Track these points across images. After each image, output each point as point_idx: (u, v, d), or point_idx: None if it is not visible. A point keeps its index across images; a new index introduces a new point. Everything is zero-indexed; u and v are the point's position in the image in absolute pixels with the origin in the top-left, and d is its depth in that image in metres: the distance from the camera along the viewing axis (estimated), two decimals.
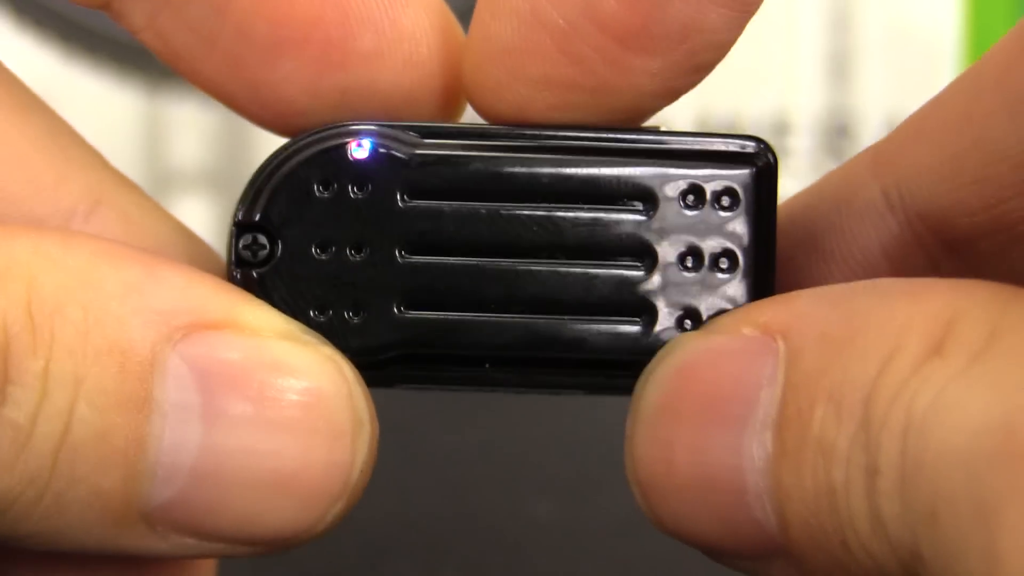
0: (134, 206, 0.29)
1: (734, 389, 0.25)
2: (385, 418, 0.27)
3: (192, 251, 0.29)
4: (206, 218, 0.74)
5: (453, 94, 0.28)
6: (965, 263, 0.29)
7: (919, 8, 0.76)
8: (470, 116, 0.29)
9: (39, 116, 0.28)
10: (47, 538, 0.26)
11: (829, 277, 0.30)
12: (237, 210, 0.27)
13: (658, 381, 0.26)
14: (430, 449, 0.56)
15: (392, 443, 0.27)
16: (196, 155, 0.74)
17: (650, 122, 0.29)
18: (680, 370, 0.26)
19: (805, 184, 0.32)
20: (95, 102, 0.72)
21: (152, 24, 0.28)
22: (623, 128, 0.28)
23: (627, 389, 0.27)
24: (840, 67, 0.76)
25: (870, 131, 0.76)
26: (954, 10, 0.75)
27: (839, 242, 0.30)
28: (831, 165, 0.79)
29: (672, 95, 0.27)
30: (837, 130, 0.76)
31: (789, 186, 0.30)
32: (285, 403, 0.26)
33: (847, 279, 0.30)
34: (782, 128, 0.75)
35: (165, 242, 0.29)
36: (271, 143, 0.29)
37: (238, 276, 0.27)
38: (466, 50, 0.28)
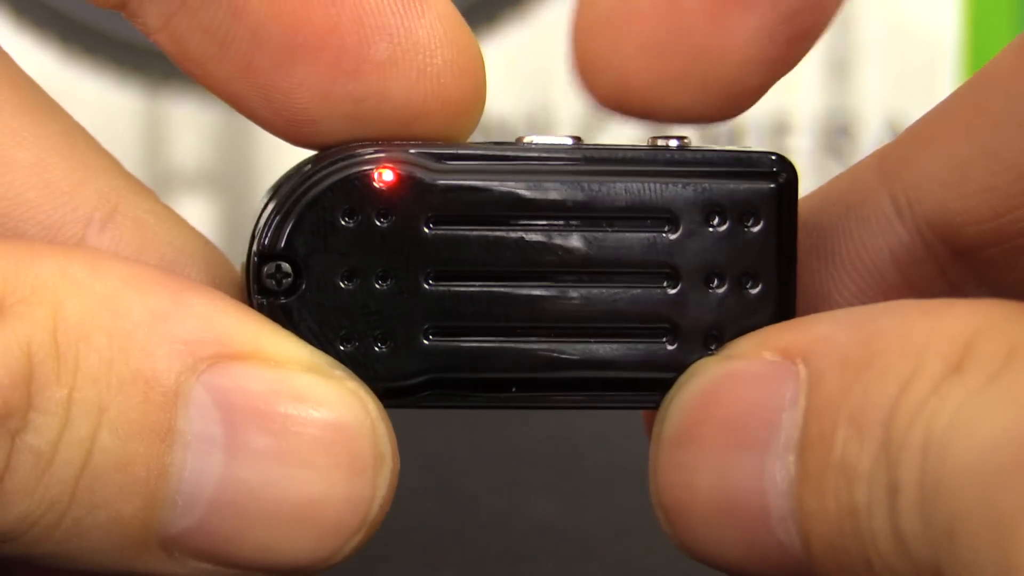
0: (150, 214, 0.29)
1: (756, 413, 0.25)
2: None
3: (208, 261, 0.29)
4: (206, 218, 0.74)
5: (466, 105, 0.28)
6: (973, 271, 0.29)
7: (919, 9, 0.76)
8: (482, 130, 0.29)
9: (56, 120, 0.28)
10: (64, 560, 0.26)
11: (838, 281, 0.30)
12: (259, 238, 0.27)
13: (680, 407, 0.26)
14: (431, 449, 0.56)
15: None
16: (196, 155, 0.74)
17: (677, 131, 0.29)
18: (701, 396, 0.26)
19: (806, 185, 0.32)
20: (95, 102, 0.72)
21: (167, 26, 0.27)
22: (644, 147, 0.28)
23: (653, 405, 0.27)
24: (840, 67, 0.76)
25: (870, 132, 0.76)
26: (954, 10, 0.75)
27: (848, 247, 0.30)
28: (831, 165, 0.79)
29: (770, 71, 0.27)
30: (837, 130, 0.76)
31: None
32: (307, 437, 0.26)
33: (856, 283, 0.30)
34: (782, 128, 0.75)
35: (181, 251, 0.29)
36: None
37: (264, 305, 0.27)
38: (573, 22, 0.27)
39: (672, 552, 0.27)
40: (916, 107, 0.30)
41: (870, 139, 0.75)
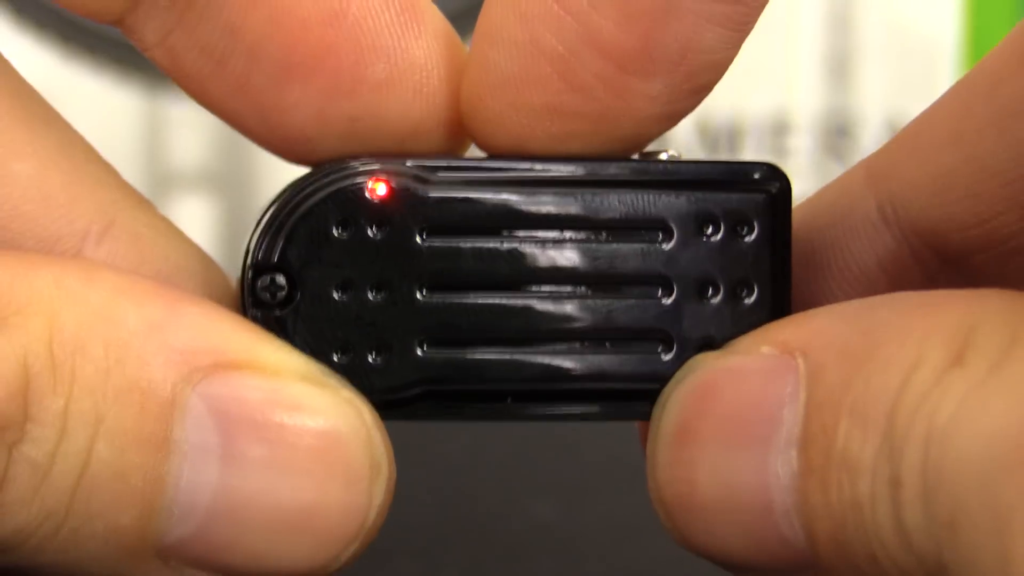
0: (148, 227, 0.28)
1: (756, 408, 0.25)
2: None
3: (204, 275, 0.29)
4: (206, 218, 0.74)
5: (462, 124, 0.28)
6: (961, 277, 0.29)
7: (919, 8, 0.76)
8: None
9: (54, 131, 0.28)
10: (62, 570, 0.26)
11: (827, 290, 0.30)
12: (254, 251, 0.27)
13: (678, 402, 0.26)
14: (431, 450, 0.56)
15: (393, 444, 0.27)
16: (196, 155, 0.74)
17: (653, 145, 0.28)
18: (700, 390, 0.26)
19: (805, 184, 0.32)
20: (95, 102, 0.72)
21: (163, 42, 0.27)
22: (638, 159, 0.28)
23: (648, 416, 0.27)
24: (840, 67, 0.76)
25: (870, 132, 0.76)
26: (954, 11, 0.76)
27: (836, 256, 0.30)
28: (831, 165, 0.79)
29: (672, 119, 0.27)
30: (837, 130, 0.76)
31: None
32: (303, 446, 0.26)
33: (845, 292, 0.30)
34: (782, 128, 0.76)
35: (177, 265, 0.28)
36: None
37: (258, 317, 0.27)
38: (464, 81, 0.27)
39: (672, 552, 0.27)
40: (916, 107, 0.30)
41: (870, 139, 0.76)
